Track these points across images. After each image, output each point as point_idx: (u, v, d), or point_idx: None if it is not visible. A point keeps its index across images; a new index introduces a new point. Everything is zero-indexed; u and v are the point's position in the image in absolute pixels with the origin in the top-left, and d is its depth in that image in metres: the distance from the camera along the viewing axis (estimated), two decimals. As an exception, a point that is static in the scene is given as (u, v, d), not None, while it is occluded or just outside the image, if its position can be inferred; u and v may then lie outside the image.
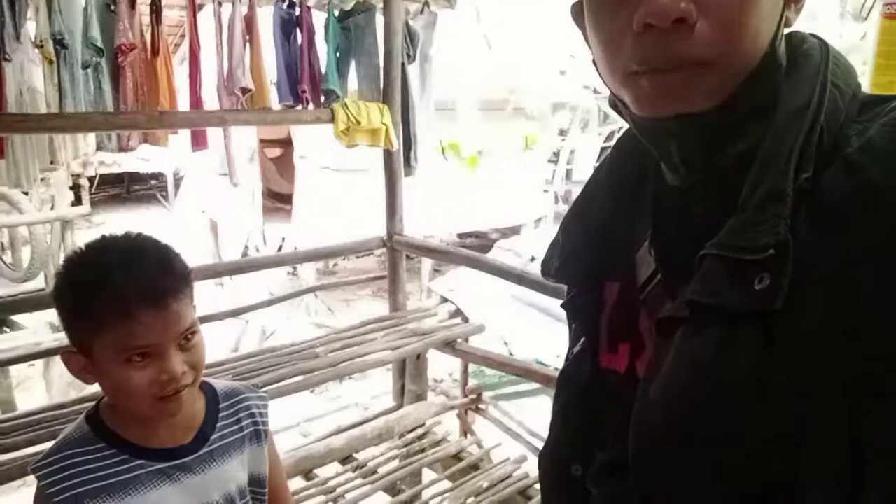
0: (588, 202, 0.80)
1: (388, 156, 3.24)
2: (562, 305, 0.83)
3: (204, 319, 3.02)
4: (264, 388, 2.39)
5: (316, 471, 2.79)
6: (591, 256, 0.77)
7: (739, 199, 0.59)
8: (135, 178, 12.94)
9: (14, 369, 4.62)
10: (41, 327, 4.61)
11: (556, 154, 9.46)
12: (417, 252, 3.35)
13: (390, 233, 3.25)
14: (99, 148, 3.14)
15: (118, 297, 0.90)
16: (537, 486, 2.66)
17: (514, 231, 8.69)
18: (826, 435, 0.54)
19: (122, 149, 3.19)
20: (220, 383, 1.12)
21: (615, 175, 0.78)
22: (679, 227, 0.68)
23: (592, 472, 0.76)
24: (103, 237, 0.99)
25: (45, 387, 4.52)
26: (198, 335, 0.97)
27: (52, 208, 6.03)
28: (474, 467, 2.90)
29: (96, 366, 0.94)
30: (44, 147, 2.80)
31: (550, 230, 7.54)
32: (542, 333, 4.23)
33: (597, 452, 0.76)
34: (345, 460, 2.88)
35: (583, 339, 0.78)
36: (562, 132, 9.42)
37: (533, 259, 5.05)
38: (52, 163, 2.75)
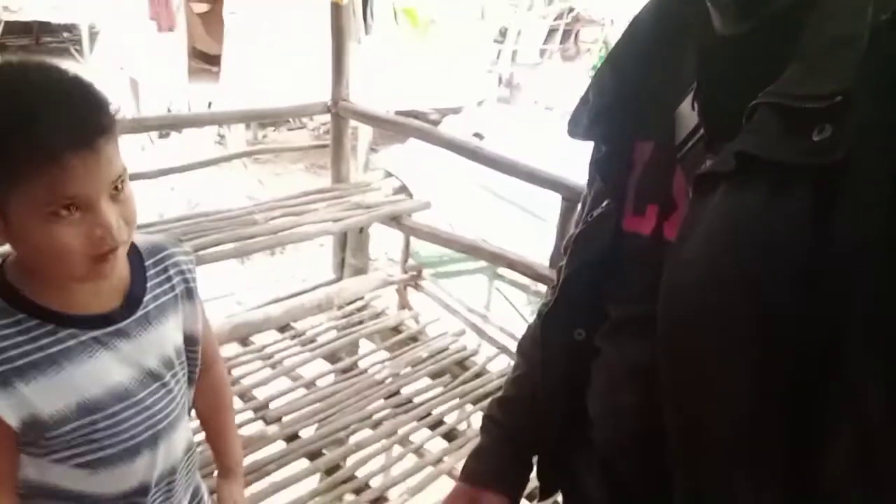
0: (625, 56, 0.75)
1: (337, 11, 2.97)
2: (590, 164, 0.80)
3: (130, 177, 2.80)
4: (199, 252, 2.27)
5: (253, 338, 2.74)
6: (625, 113, 0.73)
7: (799, 46, 0.55)
8: (45, 28, 11.75)
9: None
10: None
11: (503, 33, 9.14)
12: (364, 120, 3.18)
13: (336, 98, 3.05)
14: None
15: (42, 137, 0.74)
16: (474, 357, 2.76)
17: (453, 112, 8.49)
18: (876, 307, 0.50)
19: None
20: (141, 238, 0.98)
21: (655, 28, 0.73)
22: (727, 78, 0.64)
23: (606, 329, 0.74)
24: (12, 62, 0.80)
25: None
26: (128, 185, 0.83)
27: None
28: (413, 339, 2.91)
29: (11, 225, 0.78)
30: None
31: (493, 111, 7.41)
32: (487, 214, 4.22)
33: (611, 310, 0.74)
34: (283, 329, 2.84)
35: (608, 201, 0.74)
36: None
37: (479, 137, 4.94)
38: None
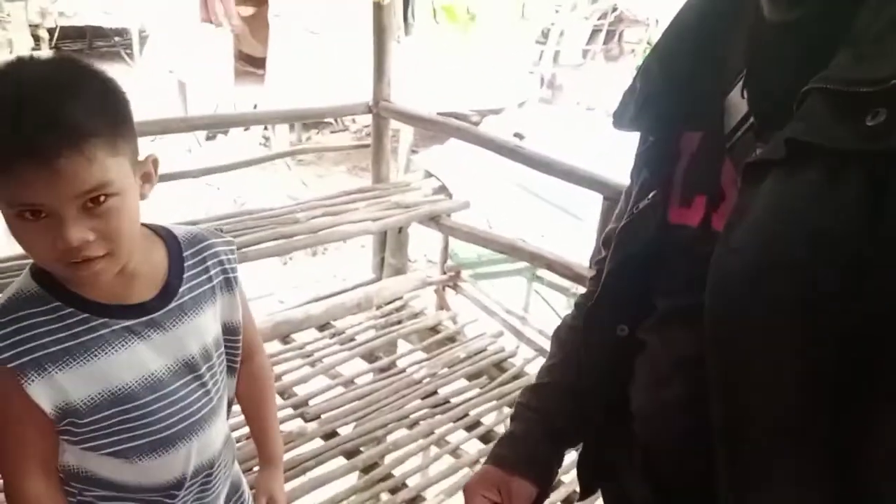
0: (672, 45, 0.74)
1: (378, 11, 2.99)
2: (635, 156, 0.79)
3: (174, 176, 2.88)
4: (242, 250, 2.31)
5: (293, 335, 2.77)
6: (672, 103, 0.72)
7: (853, 32, 0.54)
8: (97, 33, 12.14)
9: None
10: None
11: (545, 34, 9.08)
12: (405, 120, 3.19)
13: (377, 98, 3.07)
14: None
15: None
16: (512, 359, 2.74)
17: (494, 113, 8.47)
18: None
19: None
20: (181, 229, 0.99)
21: (701, 18, 0.72)
22: (778, 65, 0.63)
23: (652, 321, 0.73)
24: (19, 58, 0.79)
25: None
26: (116, 198, 0.78)
27: (10, 53, 5.63)
28: (450, 340, 2.91)
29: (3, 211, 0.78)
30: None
31: (534, 111, 7.36)
32: (525, 215, 4.19)
33: (658, 302, 0.73)
34: (322, 327, 2.86)
35: (654, 192, 0.73)
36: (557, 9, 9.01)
37: (520, 137, 4.92)
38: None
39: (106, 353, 0.86)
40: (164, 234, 0.96)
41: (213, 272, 0.98)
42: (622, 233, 0.77)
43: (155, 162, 0.88)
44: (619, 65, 9.60)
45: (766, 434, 0.58)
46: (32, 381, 0.83)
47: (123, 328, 0.88)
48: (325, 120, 8.01)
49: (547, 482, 0.87)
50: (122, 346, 0.88)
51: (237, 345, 1.04)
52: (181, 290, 0.93)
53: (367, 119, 3.22)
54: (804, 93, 0.55)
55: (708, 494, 0.63)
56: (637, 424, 0.76)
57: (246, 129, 7.59)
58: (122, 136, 0.79)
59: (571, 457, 1.94)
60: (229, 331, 1.02)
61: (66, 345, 0.84)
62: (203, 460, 0.99)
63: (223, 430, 1.03)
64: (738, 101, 0.66)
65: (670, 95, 0.73)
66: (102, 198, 0.76)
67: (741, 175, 0.61)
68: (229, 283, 1.00)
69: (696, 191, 0.70)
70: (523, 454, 0.87)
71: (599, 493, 0.92)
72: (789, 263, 0.54)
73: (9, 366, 0.82)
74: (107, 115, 0.77)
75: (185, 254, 0.95)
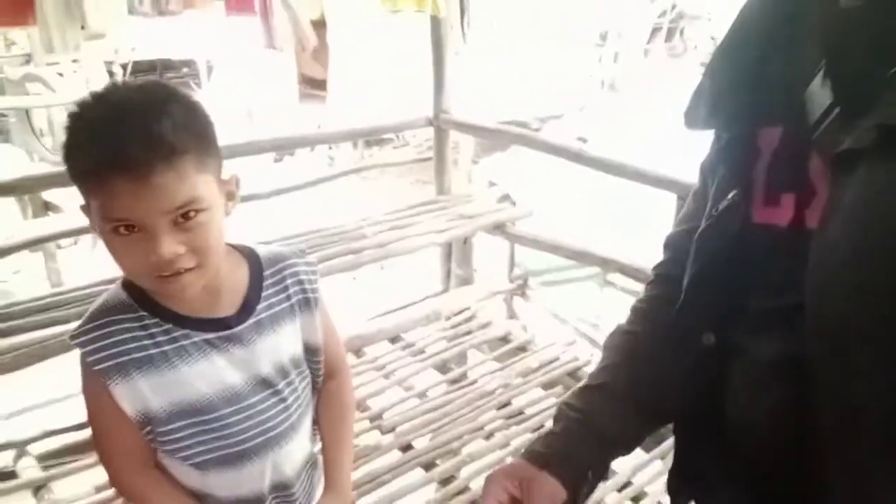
0: (739, 41, 0.71)
1: (436, 24, 3.01)
2: (710, 155, 0.77)
3: (245, 198, 2.95)
4: (312, 267, 2.34)
5: (365, 349, 2.79)
6: (746, 100, 0.69)
7: None
8: (167, 65, 12.68)
9: (60, 253, 4.68)
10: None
11: (603, 37, 8.94)
12: (466, 130, 3.19)
13: (437, 110, 3.08)
14: (130, 12, 2.97)
15: (91, 162, 0.77)
16: (586, 368, 2.68)
17: (554, 119, 8.38)
18: None
19: (161, 12, 3.00)
20: (264, 248, 1.02)
21: (768, 10, 0.69)
22: (860, 50, 0.60)
23: (747, 325, 0.69)
24: (114, 84, 0.85)
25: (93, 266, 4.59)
26: (205, 213, 0.82)
27: (87, 89, 5.93)
28: (521, 349, 2.87)
29: (96, 225, 0.83)
30: (71, 6, 2.64)
31: (596, 114, 7.25)
32: (592, 221, 4.11)
33: (750, 305, 0.69)
34: (393, 340, 2.87)
35: (734, 193, 0.70)
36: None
37: (583, 141, 4.84)
38: (82, 28, 2.57)
39: (186, 363, 0.90)
40: (246, 253, 0.99)
41: (291, 290, 1.00)
42: (703, 236, 0.74)
43: (237, 181, 0.91)
44: (683, 61, 9.34)
45: (879, 432, 0.54)
46: (117, 383, 0.87)
47: (204, 340, 0.91)
48: (387, 136, 8.11)
49: (579, 485, 0.80)
50: (202, 357, 0.91)
51: (318, 364, 1.05)
52: (259, 307, 0.96)
53: (427, 133, 3.23)
54: (893, 75, 0.53)
55: (810, 497, 0.60)
56: (732, 432, 0.72)
57: (311, 150, 7.77)
58: (209, 154, 0.84)
59: (653, 468, 1.85)
60: (310, 351, 1.03)
61: (150, 352, 0.88)
62: (280, 477, 0.99)
63: (304, 449, 1.04)
64: (819, 92, 0.63)
65: (743, 92, 0.70)
66: (192, 213, 0.80)
67: (830, 167, 0.59)
68: (308, 303, 1.02)
69: (782, 189, 0.67)
70: (557, 451, 0.80)
71: None
72: (886, 253, 0.51)
73: (94, 368, 0.87)
74: (195, 133, 0.82)
75: (265, 272, 0.98)
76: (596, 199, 4.17)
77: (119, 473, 0.95)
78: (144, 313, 0.89)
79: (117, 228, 0.79)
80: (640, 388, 0.83)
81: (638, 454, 2.33)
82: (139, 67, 11.86)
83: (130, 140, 0.76)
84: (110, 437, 0.92)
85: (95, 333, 0.87)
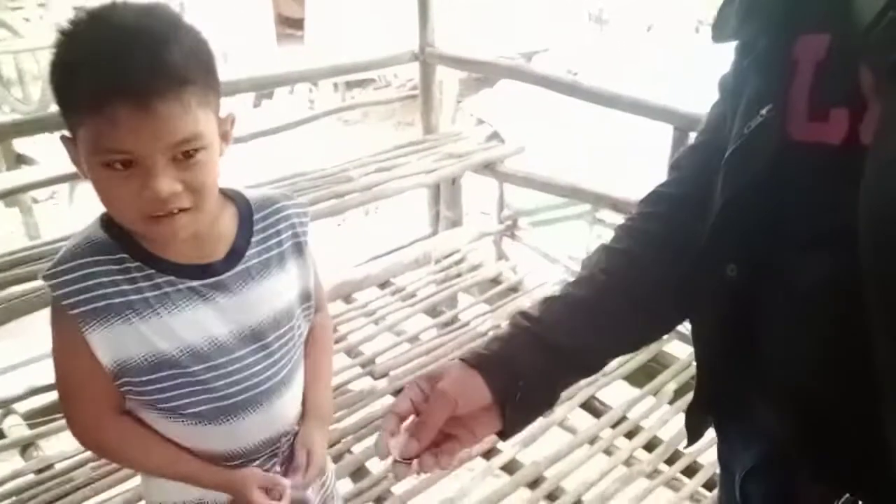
0: None
1: (417, -47, 2.87)
2: (735, 72, 0.69)
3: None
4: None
5: (355, 294, 2.75)
6: (784, 4, 0.62)
7: None
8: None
9: (37, 208, 4.56)
10: (61, 162, 4.48)
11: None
12: (453, 65, 3.07)
13: (422, 45, 2.95)
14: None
15: (91, 85, 0.71)
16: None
17: (539, 54, 8.18)
18: None
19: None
20: (254, 192, 0.96)
21: None
22: None
23: (786, 249, 0.64)
24: (112, 3, 0.77)
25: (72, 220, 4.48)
26: (205, 152, 0.77)
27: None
28: (512, 290, 2.84)
29: (81, 162, 0.77)
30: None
31: (585, 45, 7.07)
32: (584, 156, 4.04)
33: (792, 228, 0.64)
34: (383, 285, 2.83)
35: (768, 108, 0.62)
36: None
37: (573, 74, 4.72)
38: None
39: (169, 312, 0.84)
40: (235, 197, 0.93)
41: (283, 236, 0.94)
42: (734, 160, 0.67)
43: (233, 120, 0.86)
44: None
45: None
46: (93, 329, 0.81)
47: (189, 288, 0.85)
48: (368, 77, 7.91)
49: (509, 392, 0.71)
50: (187, 305, 0.85)
51: (309, 311, 1.00)
52: (248, 253, 0.90)
53: (410, 73, 3.12)
54: None
55: (870, 424, 0.56)
56: (771, 357, 0.68)
57: (291, 93, 7.57)
58: (213, 89, 0.79)
59: (646, 403, 1.82)
60: (303, 296, 0.98)
61: (129, 298, 0.82)
62: (271, 434, 0.95)
63: (295, 405, 0.99)
64: None
65: None
66: (192, 151, 0.76)
67: (887, 76, 0.52)
68: (299, 248, 0.96)
69: (830, 103, 0.60)
70: (493, 353, 0.72)
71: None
72: None
73: (71, 312, 0.80)
74: (201, 64, 0.77)
75: (255, 217, 0.92)
76: (587, 137, 4.09)
77: (89, 424, 0.89)
78: (126, 255, 0.83)
79: (111, 163, 0.73)
80: (613, 307, 0.76)
81: (630, 390, 2.34)
82: None
83: (139, 63, 0.71)
84: (80, 383, 0.86)
85: (72, 275, 0.81)
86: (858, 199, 0.53)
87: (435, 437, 0.70)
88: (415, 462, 0.69)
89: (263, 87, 3.03)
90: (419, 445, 0.69)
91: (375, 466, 1.98)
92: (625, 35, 7.73)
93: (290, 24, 7.96)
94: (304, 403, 1.02)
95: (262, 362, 0.91)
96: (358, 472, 1.92)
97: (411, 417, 0.71)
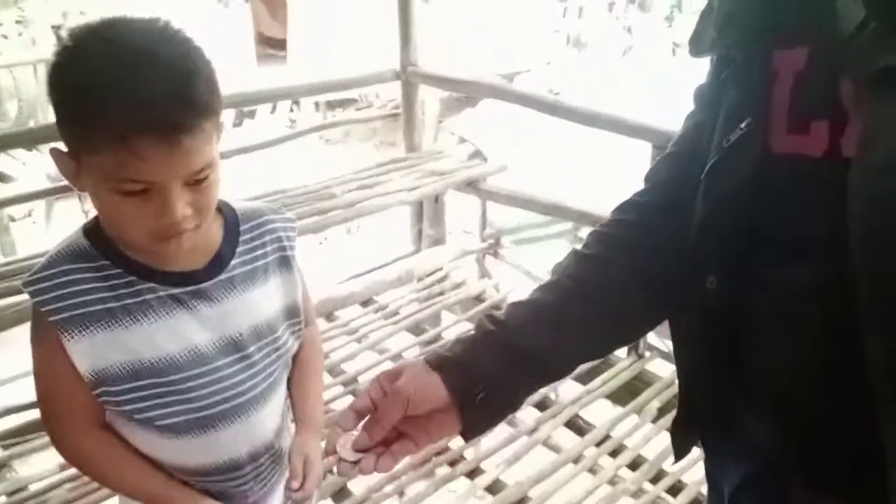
0: None
1: (399, -28, 2.88)
2: (712, 84, 0.70)
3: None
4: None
5: (337, 312, 2.73)
6: (762, 14, 0.63)
7: None
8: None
9: (14, 226, 4.48)
10: (38, 180, 4.42)
11: (568, -9, 8.80)
12: (435, 84, 3.08)
13: (404, 64, 2.96)
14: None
15: (118, 118, 0.70)
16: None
17: (520, 75, 8.26)
18: None
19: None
20: (242, 204, 0.96)
21: None
22: None
23: (766, 257, 0.65)
24: (118, 21, 0.75)
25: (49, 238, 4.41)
26: (214, 173, 0.78)
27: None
28: (496, 308, 2.82)
29: (86, 178, 0.76)
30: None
31: (564, 67, 7.16)
32: (566, 176, 4.07)
33: (772, 237, 0.65)
34: (366, 303, 2.81)
35: (747, 122, 0.63)
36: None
37: (556, 93, 4.77)
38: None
39: (150, 320, 0.83)
40: (223, 207, 0.93)
41: (269, 248, 0.94)
42: (714, 172, 0.68)
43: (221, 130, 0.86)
44: (652, 14, 9.25)
45: None
46: (73, 338, 0.80)
47: (170, 296, 0.84)
48: (350, 97, 7.93)
49: (469, 393, 0.71)
50: (167, 314, 0.84)
51: (298, 326, 0.99)
52: (232, 262, 0.89)
53: (392, 93, 3.13)
54: None
55: (860, 432, 0.57)
56: (758, 367, 0.68)
57: (272, 112, 7.56)
58: (220, 113, 0.80)
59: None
60: (291, 311, 0.97)
61: (110, 305, 0.81)
62: (250, 449, 0.93)
63: (274, 420, 0.97)
64: (850, 3, 0.56)
65: (758, 7, 0.63)
66: (205, 175, 0.77)
67: (869, 87, 0.53)
68: (286, 262, 0.96)
69: (810, 116, 0.61)
70: (455, 355, 0.72)
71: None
72: None
73: (51, 319, 0.79)
74: (216, 90, 0.77)
75: (241, 227, 0.92)
76: (571, 157, 4.12)
77: (67, 435, 0.88)
78: (107, 262, 0.82)
79: (127, 189, 0.73)
80: (579, 311, 0.76)
81: (614, 409, 2.34)
82: (87, 29, 11.40)
83: (168, 99, 0.71)
84: (61, 395, 0.85)
85: (51, 282, 0.80)
86: (840, 210, 0.53)
87: (390, 435, 0.71)
88: (361, 462, 0.70)
89: (244, 105, 3.02)
90: (369, 441, 0.70)
91: (357, 488, 1.95)
92: (602, 58, 7.84)
93: (271, 45, 7.96)
94: (295, 415, 1.02)
95: (242, 373, 0.90)
96: (340, 493, 1.89)
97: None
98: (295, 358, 1.03)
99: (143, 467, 0.88)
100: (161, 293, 0.84)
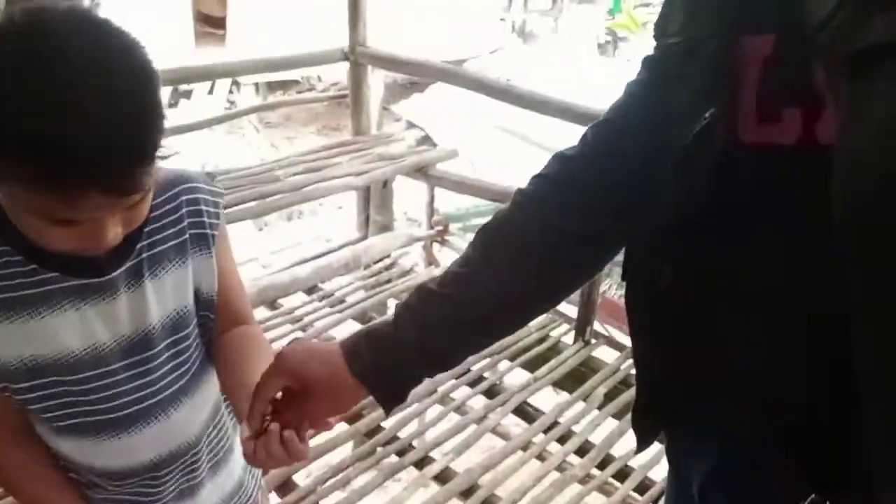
0: None
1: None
2: (674, 63, 0.68)
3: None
4: (221, 213, 2.16)
5: (281, 300, 2.64)
6: (727, 3, 0.62)
7: None
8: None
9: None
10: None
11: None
12: (384, 65, 3.00)
13: (353, 44, 2.88)
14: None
15: (60, 169, 0.59)
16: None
17: (466, 63, 8.23)
18: None
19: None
20: (160, 170, 0.80)
21: None
22: None
23: (735, 245, 0.64)
24: (45, 11, 0.60)
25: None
26: (149, 193, 0.69)
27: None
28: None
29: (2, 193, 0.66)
30: None
31: (511, 57, 7.17)
32: (515, 162, 4.06)
33: (744, 226, 0.64)
34: (310, 290, 2.73)
35: (711, 112, 0.61)
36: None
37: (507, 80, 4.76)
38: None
39: (52, 313, 0.74)
40: None
41: (186, 222, 0.81)
42: (679, 161, 0.66)
43: None
44: (596, 7, 9.37)
45: None
46: None
47: (73, 287, 0.74)
48: (292, 79, 7.73)
49: (371, 372, 0.75)
50: (71, 306, 0.75)
51: (209, 320, 0.87)
52: (140, 245, 0.78)
53: (335, 76, 3.03)
54: None
55: (829, 420, 0.57)
56: (730, 355, 0.67)
57: (210, 93, 7.30)
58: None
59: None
60: (203, 301, 0.85)
61: (9, 295, 0.72)
62: (172, 448, 0.85)
63: (198, 417, 0.88)
64: None
65: None
66: (142, 199, 0.68)
67: (845, 71, 0.51)
68: (205, 240, 0.83)
69: (782, 103, 0.59)
70: (365, 333, 0.77)
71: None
72: None
73: None
74: (164, 114, 0.65)
75: (154, 201, 0.76)
76: (516, 142, 4.11)
77: None
78: (7, 248, 0.72)
79: (54, 220, 0.64)
80: (481, 286, 0.76)
81: (561, 395, 2.35)
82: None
83: (127, 144, 0.60)
84: None
85: None
86: (817, 198, 0.52)
87: (290, 418, 0.72)
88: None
89: (182, 82, 2.87)
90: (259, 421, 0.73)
91: (302, 479, 1.89)
92: (546, 48, 7.89)
93: (210, 23, 7.67)
94: (236, 409, 0.88)
95: (147, 376, 0.81)
96: (285, 486, 1.83)
97: None
98: (236, 350, 0.89)
99: (52, 479, 0.82)
100: (64, 284, 0.74)
